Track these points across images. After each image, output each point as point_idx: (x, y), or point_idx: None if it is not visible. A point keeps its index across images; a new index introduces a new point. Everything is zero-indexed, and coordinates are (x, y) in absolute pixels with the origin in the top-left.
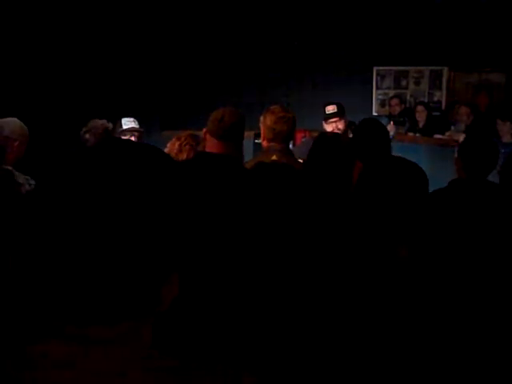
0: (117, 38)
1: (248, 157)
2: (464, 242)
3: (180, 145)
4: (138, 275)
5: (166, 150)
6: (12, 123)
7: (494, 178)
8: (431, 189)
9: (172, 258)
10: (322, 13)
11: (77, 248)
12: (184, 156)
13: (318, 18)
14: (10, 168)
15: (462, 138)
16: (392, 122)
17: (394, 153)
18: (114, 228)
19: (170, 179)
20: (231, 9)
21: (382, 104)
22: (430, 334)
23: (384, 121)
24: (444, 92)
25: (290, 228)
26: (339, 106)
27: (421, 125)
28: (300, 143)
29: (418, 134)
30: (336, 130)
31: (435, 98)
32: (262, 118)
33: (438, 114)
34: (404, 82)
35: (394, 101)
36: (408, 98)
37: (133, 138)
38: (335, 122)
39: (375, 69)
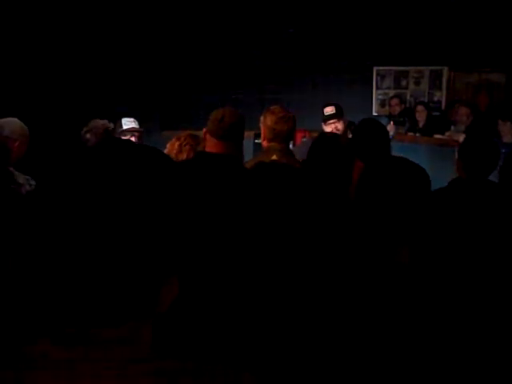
0: (117, 38)
1: (248, 157)
2: (464, 241)
3: (180, 145)
4: (137, 276)
5: (165, 151)
6: (12, 123)
7: (494, 177)
8: (431, 189)
9: (172, 259)
10: (322, 13)
11: (77, 248)
12: (184, 156)
13: (317, 17)
14: (10, 168)
15: (461, 138)
16: (392, 122)
17: (394, 153)
18: (113, 228)
19: (170, 180)
20: (231, 9)
21: (382, 104)
22: (430, 334)
23: (384, 121)
24: (444, 92)
25: (289, 228)
26: (337, 107)
27: (421, 125)
28: (300, 143)
29: (417, 134)
30: (335, 131)
31: (435, 98)
32: (262, 118)
33: (437, 113)
34: (404, 82)
35: (394, 101)
36: (408, 98)
37: (133, 138)
38: (334, 123)
39: (375, 69)
